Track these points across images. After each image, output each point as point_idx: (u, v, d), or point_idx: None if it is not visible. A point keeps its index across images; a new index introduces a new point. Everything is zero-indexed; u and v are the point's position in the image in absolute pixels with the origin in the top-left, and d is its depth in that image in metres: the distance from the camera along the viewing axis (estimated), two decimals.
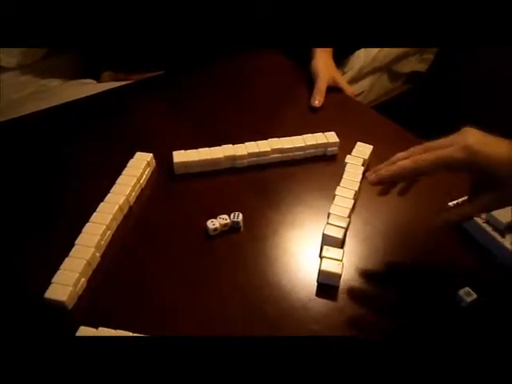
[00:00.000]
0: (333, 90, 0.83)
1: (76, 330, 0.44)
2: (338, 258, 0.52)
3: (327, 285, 0.51)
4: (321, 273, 0.51)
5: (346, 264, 0.53)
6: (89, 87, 0.95)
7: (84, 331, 0.44)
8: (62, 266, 0.50)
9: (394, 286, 0.52)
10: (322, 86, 0.82)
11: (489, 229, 0.55)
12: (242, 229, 0.57)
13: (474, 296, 0.49)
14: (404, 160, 0.48)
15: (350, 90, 0.87)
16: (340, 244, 0.55)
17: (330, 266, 0.51)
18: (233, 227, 0.57)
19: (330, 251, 0.53)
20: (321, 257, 0.52)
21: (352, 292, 0.51)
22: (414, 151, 0.49)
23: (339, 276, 0.51)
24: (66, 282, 0.48)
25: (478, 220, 0.56)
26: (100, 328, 0.44)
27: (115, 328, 0.45)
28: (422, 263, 0.55)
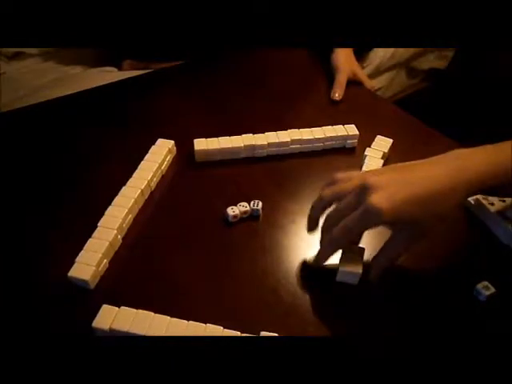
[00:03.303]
0: (353, 83, 0.84)
1: (99, 309, 0.45)
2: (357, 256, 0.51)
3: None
4: (339, 272, 0.50)
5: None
6: (110, 75, 0.96)
7: (107, 310, 0.45)
8: (85, 247, 0.51)
9: (411, 279, 0.52)
10: (342, 79, 0.82)
11: (507, 224, 0.55)
12: (261, 217, 0.58)
13: (493, 290, 0.49)
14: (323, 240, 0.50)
15: (370, 83, 0.87)
16: (358, 280, 0.53)
17: (349, 265, 0.50)
18: (252, 215, 0.58)
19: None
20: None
21: (367, 284, 0.51)
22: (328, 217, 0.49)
23: (359, 275, 0.50)
24: (89, 262, 0.49)
25: (496, 215, 0.56)
26: (122, 307, 0.46)
27: (136, 308, 0.46)
28: (439, 257, 0.55)
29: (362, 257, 0.51)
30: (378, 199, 0.43)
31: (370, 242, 0.55)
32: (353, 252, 0.51)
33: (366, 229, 0.47)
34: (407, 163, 0.48)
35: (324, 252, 0.50)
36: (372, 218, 0.44)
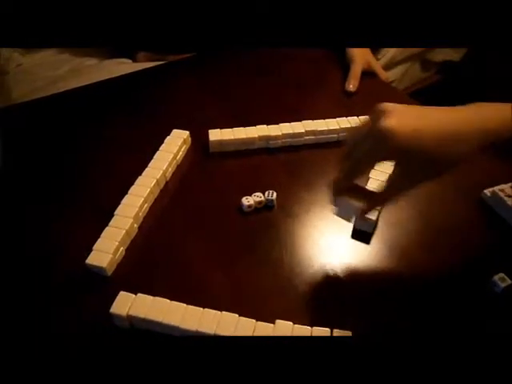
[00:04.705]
0: (367, 74, 0.83)
1: (115, 296, 0.46)
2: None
3: (358, 265, 0.52)
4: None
5: (376, 247, 0.53)
6: (125, 66, 0.96)
7: (124, 296, 0.46)
8: (102, 235, 0.51)
9: (427, 270, 0.52)
10: (357, 70, 0.81)
11: None
12: (275, 207, 0.58)
13: (509, 282, 0.49)
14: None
15: (385, 75, 0.87)
16: (372, 228, 0.55)
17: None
18: (267, 205, 0.58)
19: None
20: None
21: (382, 274, 0.51)
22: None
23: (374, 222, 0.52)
24: (106, 250, 0.50)
25: None
26: (139, 294, 0.46)
27: (153, 295, 0.46)
28: (456, 248, 0.55)
29: (364, 195, 0.50)
30: (390, 122, 0.41)
31: (386, 230, 0.55)
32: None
33: (377, 156, 0.45)
34: (427, 106, 0.46)
35: (341, 184, 0.49)
36: (382, 143, 0.42)
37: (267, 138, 0.66)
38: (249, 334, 0.44)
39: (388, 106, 0.43)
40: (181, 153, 0.65)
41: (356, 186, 0.49)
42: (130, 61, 1.01)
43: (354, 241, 0.55)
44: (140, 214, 0.55)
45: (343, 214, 0.51)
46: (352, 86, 0.79)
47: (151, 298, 0.46)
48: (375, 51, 1.19)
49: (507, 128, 0.43)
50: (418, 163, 0.44)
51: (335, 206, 0.51)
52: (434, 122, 0.43)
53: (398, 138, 0.41)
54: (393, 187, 0.47)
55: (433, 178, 0.45)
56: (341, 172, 0.48)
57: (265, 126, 0.67)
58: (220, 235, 0.55)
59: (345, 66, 0.83)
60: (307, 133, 0.67)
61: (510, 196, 0.57)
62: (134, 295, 0.46)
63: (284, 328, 0.44)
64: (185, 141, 0.65)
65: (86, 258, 0.49)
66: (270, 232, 0.56)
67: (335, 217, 0.57)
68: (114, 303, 0.45)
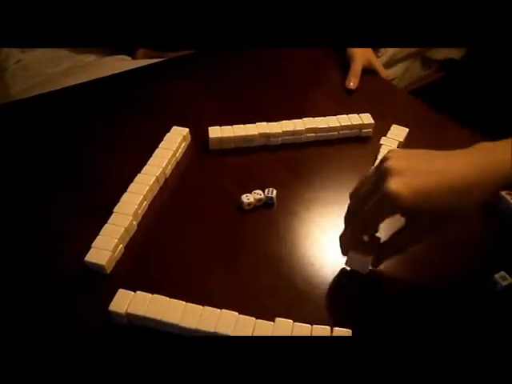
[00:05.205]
0: (368, 72, 0.83)
1: (114, 293, 0.46)
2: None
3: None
4: (348, 258, 0.49)
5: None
6: (124, 63, 0.96)
7: (123, 294, 0.46)
8: (101, 232, 0.51)
9: (428, 269, 0.52)
10: (357, 68, 0.81)
11: None
12: (275, 204, 0.58)
13: (510, 280, 0.48)
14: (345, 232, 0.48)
15: (385, 73, 0.86)
16: (368, 270, 0.53)
17: (359, 252, 0.48)
18: (266, 203, 0.58)
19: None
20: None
21: (381, 272, 0.51)
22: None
23: (368, 264, 0.49)
24: (105, 247, 0.50)
25: None
26: (138, 291, 0.46)
27: (152, 293, 0.46)
28: (456, 246, 0.54)
29: (376, 246, 0.49)
30: (395, 185, 0.40)
31: (386, 228, 0.54)
32: (367, 240, 0.49)
33: (383, 217, 0.44)
34: (430, 151, 0.44)
35: (346, 242, 0.48)
36: (388, 205, 0.41)
37: (267, 136, 0.66)
38: (248, 331, 0.43)
39: (392, 165, 0.42)
40: (180, 150, 0.64)
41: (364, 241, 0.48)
42: (130, 58, 1.01)
43: None
44: (139, 211, 0.55)
45: (356, 266, 0.49)
46: (352, 83, 0.79)
47: (150, 295, 0.46)
48: (376, 49, 1.19)
49: None
50: (428, 220, 0.43)
51: (347, 258, 0.49)
52: (444, 177, 0.41)
53: (405, 201, 0.40)
54: (403, 240, 0.46)
55: (447, 228, 0.43)
56: (346, 228, 0.48)
57: (265, 123, 0.67)
58: (220, 233, 0.55)
59: (345, 64, 0.83)
60: (308, 130, 0.67)
61: (510, 194, 0.57)
62: (132, 293, 0.46)
63: (284, 326, 0.44)
64: (184, 138, 0.65)
65: (85, 255, 0.49)
66: (270, 229, 0.55)
67: (335, 215, 0.57)
68: (113, 301, 0.45)
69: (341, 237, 0.49)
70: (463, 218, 0.44)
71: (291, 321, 0.44)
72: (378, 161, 0.62)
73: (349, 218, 0.48)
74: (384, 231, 0.49)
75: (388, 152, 0.45)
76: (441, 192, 0.40)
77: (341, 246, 0.49)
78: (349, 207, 0.48)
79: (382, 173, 0.42)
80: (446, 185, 0.40)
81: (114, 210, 0.54)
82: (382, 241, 0.49)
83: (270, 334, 0.43)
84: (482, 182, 0.41)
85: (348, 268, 0.51)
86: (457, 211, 0.42)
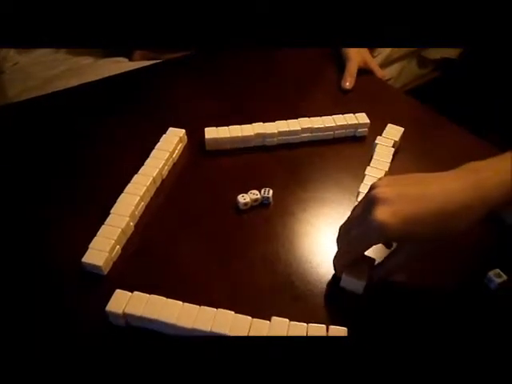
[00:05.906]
0: (363, 72, 0.83)
1: (112, 294, 0.46)
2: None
3: None
4: (343, 279, 0.48)
5: None
6: (121, 65, 0.96)
7: (120, 294, 0.46)
8: (98, 233, 0.51)
9: (423, 267, 0.52)
10: (352, 68, 0.81)
11: None
12: (271, 204, 0.58)
13: (504, 278, 0.49)
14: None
15: (381, 73, 0.87)
16: (362, 289, 0.51)
17: (353, 273, 0.47)
18: (263, 203, 0.58)
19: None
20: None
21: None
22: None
23: (363, 285, 0.47)
24: (102, 248, 0.50)
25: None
26: (135, 292, 0.46)
27: (149, 293, 0.46)
28: (451, 244, 0.54)
29: (371, 267, 0.48)
30: (381, 215, 0.40)
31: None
32: (361, 261, 0.48)
33: (370, 244, 0.44)
34: (419, 174, 0.44)
35: (337, 265, 0.49)
36: (374, 234, 0.41)
37: (263, 136, 0.66)
38: (245, 331, 0.43)
39: (378, 194, 0.42)
40: (177, 151, 0.65)
41: (357, 262, 0.48)
42: (126, 59, 1.01)
43: None
44: (136, 212, 0.55)
45: (351, 287, 0.48)
46: (348, 83, 0.79)
47: (147, 295, 0.46)
48: (371, 49, 1.19)
49: (504, 196, 0.41)
50: (418, 245, 0.43)
51: (342, 279, 0.49)
52: (431, 203, 0.41)
53: (392, 229, 0.40)
54: (394, 262, 0.46)
55: (438, 248, 0.44)
56: (337, 251, 0.48)
57: (261, 123, 0.67)
58: (216, 233, 0.55)
59: (341, 64, 0.83)
60: (303, 130, 0.67)
61: None
62: (130, 293, 0.46)
63: (280, 325, 0.44)
64: (181, 139, 0.65)
65: (82, 256, 0.49)
66: (266, 229, 0.56)
67: (331, 215, 0.58)
68: (110, 301, 0.45)
69: (334, 258, 0.49)
70: (455, 237, 0.43)
71: (287, 320, 0.44)
72: (373, 160, 0.63)
73: (339, 241, 0.48)
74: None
75: (377, 180, 0.45)
76: (430, 218, 0.41)
77: (334, 268, 0.49)
78: (339, 230, 0.48)
79: (370, 201, 0.42)
80: (434, 210, 0.41)
81: (111, 211, 0.54)
82: (376, 262, 0.49)
83: (266, 333, 0.44)
84: (472, 205, 0.41)
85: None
86: (447, 235, 0.42)
